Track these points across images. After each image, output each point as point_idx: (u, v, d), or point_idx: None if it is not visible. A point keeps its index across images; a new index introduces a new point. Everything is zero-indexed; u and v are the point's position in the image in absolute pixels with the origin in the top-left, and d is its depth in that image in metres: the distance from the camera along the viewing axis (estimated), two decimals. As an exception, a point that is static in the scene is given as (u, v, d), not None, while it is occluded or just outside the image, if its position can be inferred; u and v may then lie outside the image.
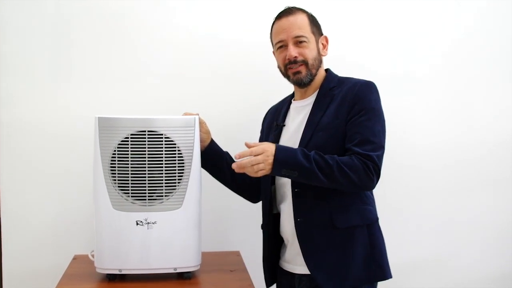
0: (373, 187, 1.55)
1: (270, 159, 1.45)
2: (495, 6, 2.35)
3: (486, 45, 2.34)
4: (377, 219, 1.64)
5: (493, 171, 2.36)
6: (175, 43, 2.11)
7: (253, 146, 1.48)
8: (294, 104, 1.74)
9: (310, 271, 1.56)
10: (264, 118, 1.89)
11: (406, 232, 2.28)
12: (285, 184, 1.65)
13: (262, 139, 1.84)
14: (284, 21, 1.64)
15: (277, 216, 1.70)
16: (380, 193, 1.65)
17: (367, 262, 1.58)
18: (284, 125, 1.72)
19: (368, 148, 1.51)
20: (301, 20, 1.64)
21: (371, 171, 1.50)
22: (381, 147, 1.54)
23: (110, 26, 2.07)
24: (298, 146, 1.59)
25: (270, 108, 1.88)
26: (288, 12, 1.65)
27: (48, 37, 2.04)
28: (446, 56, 2.32)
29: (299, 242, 1.58)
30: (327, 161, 1.48)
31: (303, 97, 1.71)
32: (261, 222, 1.76)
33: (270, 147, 1.47)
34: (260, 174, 1.47)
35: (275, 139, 1.70)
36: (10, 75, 2.02)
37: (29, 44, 2.03)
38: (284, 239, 1.70)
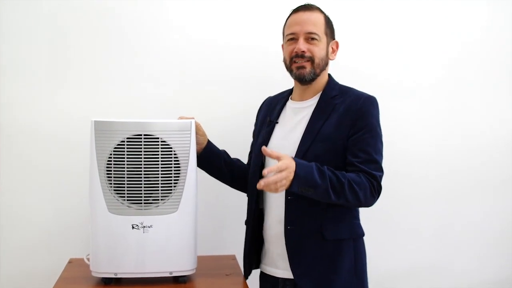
0: (372, 205, 1.58)
1: (291, 176, 1.42)
2: (497, 17, 2.36)
3: (485, 53, 2.35)
4: (363, 234, 1.67)
5: (490, 177, 2.37)
6: (173, 47, 2.11)
7: (272, 154, 1.44)
8: (292, 104, 1.73)
9: (295, 279, 1.58)
10: (260, 108, 1.88)
11: (404, 239, 2.29)
12: None
13: (255, 132, 1.84)
14: (301, 14, 1.64)
15: (262, 212, 1.70)
16: (378, 200, 1.65)
17: (351, 274, 1.60)
18: (277, 123, 1.72)
19: (372, 167, 1.55)
20: (317, 18, 1.65)
21: (376, 190, 1.54)
22: (382, 168, 1.58)
23: (108, 29, 2.07)
24: (296, 154, 1.58)
25: (267, 99, 1.87)
26: (306, 7, 1.66)
27: (45, 40, 2.03)
28: (445, 64, 2.32)
29: (287, 249, 1.59)
30: (340, 179, 1.48)
31: (302, 98, 1.70)
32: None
33: (292, 163, 1.43)
34: (280, 190, 1.44)
35: (267, 136, 1.70)
36: (7, 78, 2.02)
37: (26, 47, 2.02)
38: (266, 241, 1.69)
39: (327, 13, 1.70)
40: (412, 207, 2.30)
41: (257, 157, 1.69)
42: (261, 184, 1.39)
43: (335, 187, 1.47)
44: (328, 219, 1.58)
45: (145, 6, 2.09)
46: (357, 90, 1.67)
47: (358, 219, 1.67)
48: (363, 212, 1.69)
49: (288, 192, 1.58)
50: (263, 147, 1.47)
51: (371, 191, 1.52)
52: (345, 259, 1.59)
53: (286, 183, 1.42)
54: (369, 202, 1.56)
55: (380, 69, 2.25)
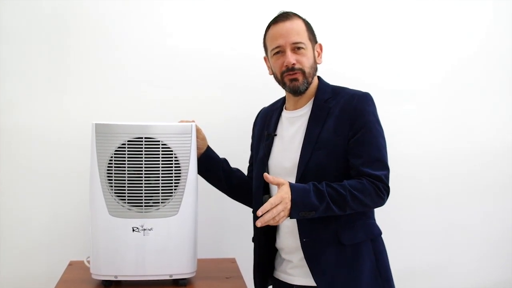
0: (383, 204, 1.55)
1: (289, 205, 1.40)
2: (499, 18, 2.36)
3: (487, 56, 2.35)
4: (380, 232, 1.64)
5: (491, 180, 2.37)
6: (173, 51, 2.11)
7: (273, 181, 1.43)
8: (287, 114, 1.70)
9: None
10: (255, 122, 1.85)
11: (404, 240, 2.28)
12: None
13: (253, 145, 1.83)
14: (282, 26, 1.59)
15: (269, 226, 1.67)
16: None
17: (375, 276, 1.57)
18: (276, 135, 1.69)
19: (376, 167, 1.51)
20: (299, 26, 1.60)
21: (382, 192, 1.51)
22: (387, 165, 1.55)
23: (108, 33, 2.08)
24: (298, 164, 1.56)
25: (261, 111, 1.85)
26: (285, 17, 1.60)
27: (45, 43, 2.04)
28: (446, 67, 2.32)
29: (307, 261, 1.55)
30: (340, 193, 1.46)
31: (296, 107, 1.67)
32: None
33: (287, 193, 1.41)
34: (280, 222, 1.42)
35: (267, 149, 1.67)
36: (7, 80, 2.03)
37: (26, 50, 2.03)
38: (282, 251, 1.66)
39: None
40: (413, 209, 2.30)
41: (260, 174, 1.62)
42: (258, 225, 1.38)
43: (337, 201, 1.45)
44: (342, 225, 1.54)
45: (146, 10, 2.10)
46: (350, 89, 1.63)
47: (373, 219, 1.64)
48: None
49: None
50: (265, 174, 1.45)
51: (377, 193, 1.50)
52: (366, 261, 1.56)
53: (285, 213, 1.40)
54: (378, 204, 1.53)
55: (381, 72, 2.26)
